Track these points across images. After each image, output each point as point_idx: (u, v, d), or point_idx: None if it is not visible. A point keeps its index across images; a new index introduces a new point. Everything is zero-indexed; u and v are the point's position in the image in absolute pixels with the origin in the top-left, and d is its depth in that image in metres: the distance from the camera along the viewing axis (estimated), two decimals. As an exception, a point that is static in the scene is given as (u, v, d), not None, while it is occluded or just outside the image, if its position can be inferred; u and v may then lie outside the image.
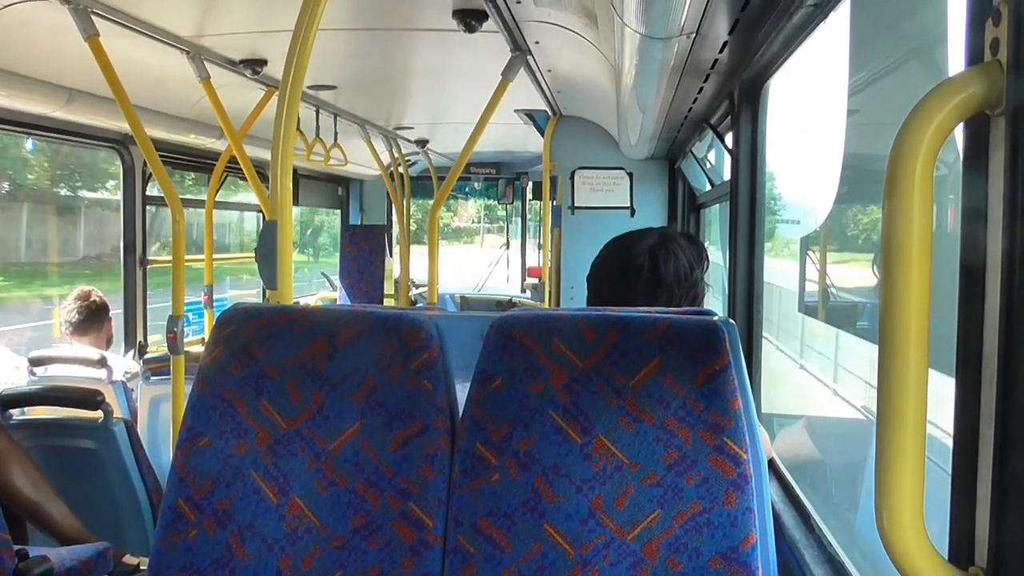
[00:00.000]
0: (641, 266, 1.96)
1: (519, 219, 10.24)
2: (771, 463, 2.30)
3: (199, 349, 4.59)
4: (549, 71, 3.93)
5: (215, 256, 5.47)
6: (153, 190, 5.08)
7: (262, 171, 4.75)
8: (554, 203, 5.57)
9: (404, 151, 7.08)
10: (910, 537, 0.87)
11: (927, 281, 0.86)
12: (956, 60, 0.93)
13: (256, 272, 2.10)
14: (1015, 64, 0.81)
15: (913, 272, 0.85)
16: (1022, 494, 0.83)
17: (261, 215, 5.76)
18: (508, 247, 10.19)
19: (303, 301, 7.68)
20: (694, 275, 2.01)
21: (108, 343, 4.38)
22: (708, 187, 4.34)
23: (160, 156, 3.34)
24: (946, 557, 0.91)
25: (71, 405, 3.37)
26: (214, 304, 5.48)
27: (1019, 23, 0.80)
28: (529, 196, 8.97)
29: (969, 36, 0.89)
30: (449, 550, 1.35)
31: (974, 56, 0.87)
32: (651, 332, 1.34)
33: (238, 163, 4.07)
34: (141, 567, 2.97)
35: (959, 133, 0.90)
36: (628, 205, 5.36)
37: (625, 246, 2.01)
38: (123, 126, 4.22)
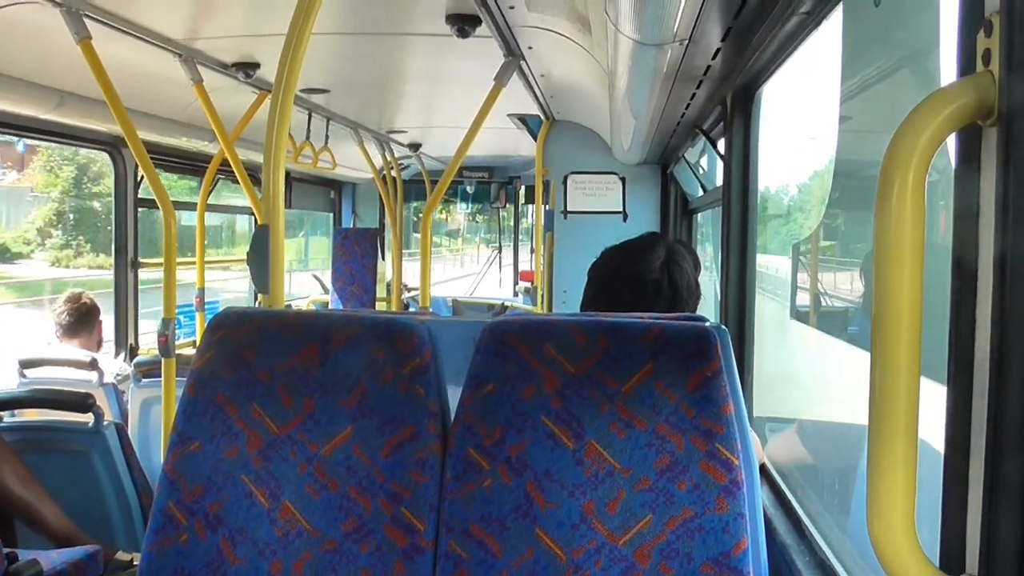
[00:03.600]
0: (659, 281, 1.98)
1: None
2: (762, 469, 2.31)
3: (190, 352, 4.58)
4: (542, 76, 3.93)
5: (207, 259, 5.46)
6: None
7: (254, 174, 4.75)
8: (547, 207, 5.57)
9: (397, 155, 7.08)
10: (901, 543, 0.88)
11: (919, 290, 0.86)
12: (948, 70, 0.93)
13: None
14: (1007, 75, 0.81)
15: (905, 281, 0.86)
16: (1014, 500, 0.83)
17: (253, 219, 5.75)
18: (500, 251, 10.19)
19: (295, 304, 7.67)
20: (697, 283, 2.04)
21: (99, 345, 4.37)
22: (700, 192, 4.35)
23: (152, 159, 3.34)
24: (937, 564, 0.91)
25: (61, 408, 3.37)
26: (206, 307, 5.47)
27: (1011, 34, 0.81)
28: (522, 200, 8.97)
29: (961, 47, 0.89)
30: (440, 555, 1.35)
31: (966, 67, 0.88)
32: (643, 338, 1.35)
33: (230, 166, 4.07)
34: (134, 562, 2.96)
35: (951, 143, 0.90)
36: (621, 210, 5.36)
37: (634, 258, 2.02)
38: (115, 129, 4.21)
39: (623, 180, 5.36)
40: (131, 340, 5.02)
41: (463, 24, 2.99)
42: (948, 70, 0.94)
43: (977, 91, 0.83)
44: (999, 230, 0.83)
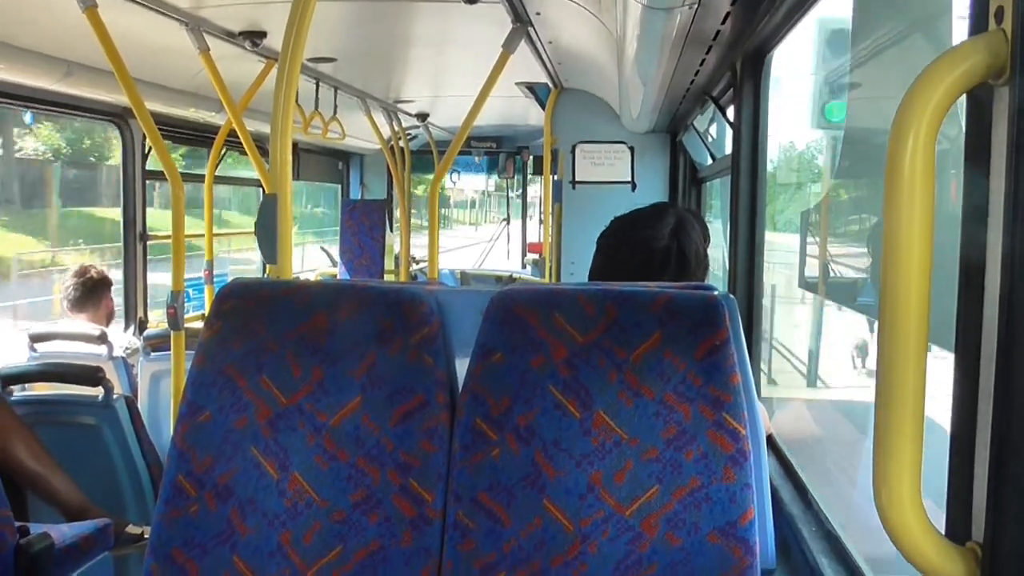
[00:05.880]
0: (668, 249, 1.97)
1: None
2: (770, 439, 2.31)
3: (199, 325, 4.60)
4: (550, 43, 3.90)
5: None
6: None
7: (262, 145, 4.73)
8: (555, 177, 5.54)
9: (404, 125, 7.05)
10: (908, 513, 0.87)
11: (928, 256, 0.85)
12: (960, 31, 0.92)
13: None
14: (1021, 32, 0.79)
15: (915, 246, 0.84)
16: (1020, 470, 0.82)
17: (261, 190, 5.74)
18: (508, 222, 10.17)
19: (303, 276, 7.67)
20: (706, 252, 2.03)
21: (109, 318, 4.38)
22: (709, 161, 4.32)
23: (160, 130, 3.33)
24: (943, 532, 0.91)
25: (71, 381, 3.38)
26: (214, 279, 5.47)
27: None
28: (530, 170, 8.92)
29: (974, 4, 0.87)
30: (449, 524, 1.35)
31: (978, 25, 0.86)
32: (651, 306, 1.34)
33: (238, 137, 4.05)
34: (145, 535, 2.98)
35: (962, 105, 0.89)
36: (629, 179, 5.33)
37: (643, 227, 2.01)
38: (122, 99, 4.19)
39: (632, 149, 5.32)
40: (140, 313, 5.03)
41: (471, -12, 2.96)
42: (960, 32, 0.92)
43: (989, 50, 0.82)
44: (1010, 191, 0.81)
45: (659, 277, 1.95)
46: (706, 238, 2.10)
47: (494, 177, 9.99)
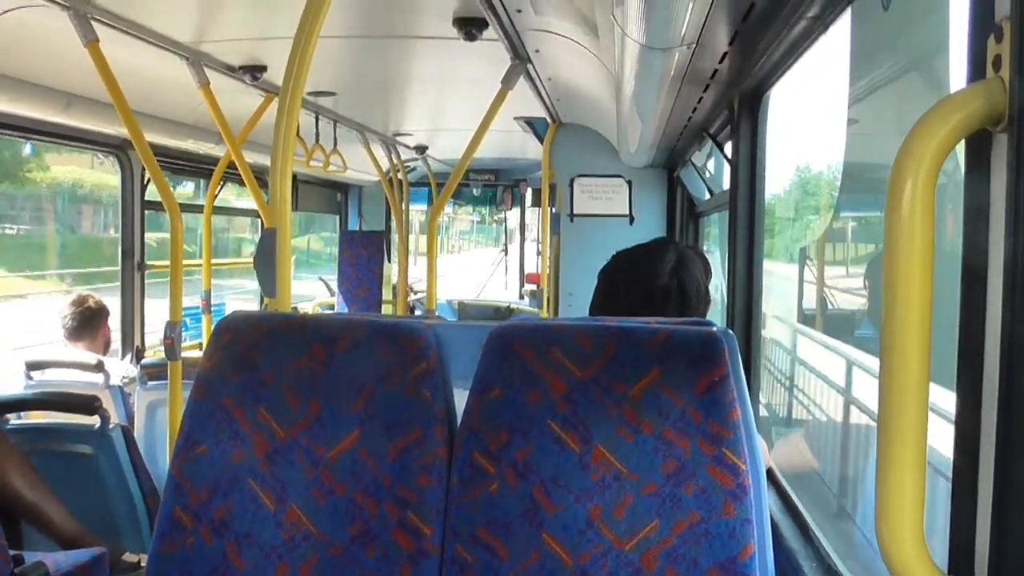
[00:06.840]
0: (668, 287, 1.97)
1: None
2: (770, 473, 2.31)
3: (196, 354, 4.59)
4: (549, 79, 3.93)
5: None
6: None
7: (261, 177, 4.75)
8: (553, 210, 5.57)
9: (403, 157, 7.08)
10: (909, 549, 0.87)
11: (928, 297, 0.86)
12: (958, 74, 0.93)
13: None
14: (1018, 81, 0.81)
15: (915, 289, 0.85)
16: (1023, 507, 0.83)
17: (260, 222, 5.76)
18: (507, 253, 10.20)
19: (301, 307, 7.68)
20: (707, 289, 2.04)
21: (106, 347, 4.37)
22: (707, 196, 4.34)
23: (159, 161, 3.34)
24: (945, 570, 0.91)
25: (68, 410, 3.37)
26: (212, 309, 5.47)
27: (1022, 40, 0.80)
28: (528, 203, 8.96)
29: (971, 53, 0.89)
30: (447, 559, 1.34)
31: (976, 72, 0.88)
32: (650, 342, 1.34)
33: (237, 168, 4.07)
34: (141, 564, 2.96)
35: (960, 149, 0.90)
36: (627, 213, 5.36)
37: (643, 263, 2.01)
38: (122, 131, 4.22)
39: (629, 183, 5.36)
40: (137, 342, 5.02)
41: (470, 27, 2.99)
42: (958, 74, 0.93)
43: (987, 97, 0.83)
44: (1010, 236, 0.82)
45: (660, 314, 1.95)
46: (708, 273, 2.10)
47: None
